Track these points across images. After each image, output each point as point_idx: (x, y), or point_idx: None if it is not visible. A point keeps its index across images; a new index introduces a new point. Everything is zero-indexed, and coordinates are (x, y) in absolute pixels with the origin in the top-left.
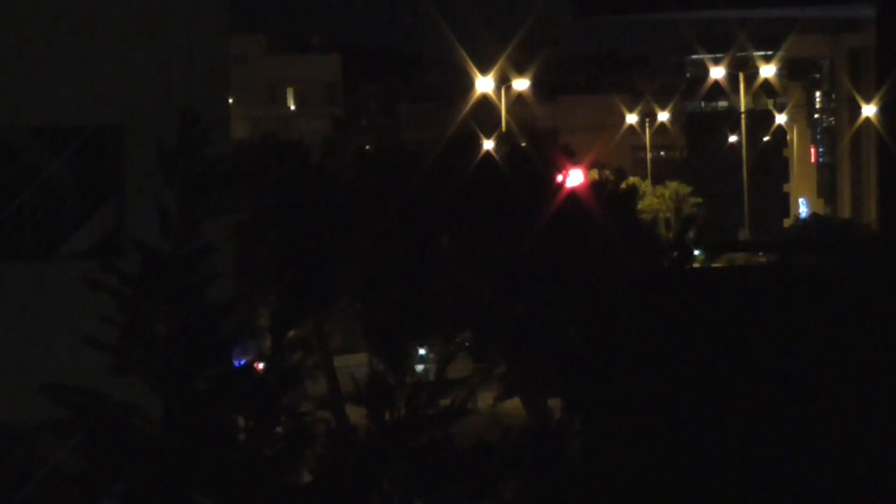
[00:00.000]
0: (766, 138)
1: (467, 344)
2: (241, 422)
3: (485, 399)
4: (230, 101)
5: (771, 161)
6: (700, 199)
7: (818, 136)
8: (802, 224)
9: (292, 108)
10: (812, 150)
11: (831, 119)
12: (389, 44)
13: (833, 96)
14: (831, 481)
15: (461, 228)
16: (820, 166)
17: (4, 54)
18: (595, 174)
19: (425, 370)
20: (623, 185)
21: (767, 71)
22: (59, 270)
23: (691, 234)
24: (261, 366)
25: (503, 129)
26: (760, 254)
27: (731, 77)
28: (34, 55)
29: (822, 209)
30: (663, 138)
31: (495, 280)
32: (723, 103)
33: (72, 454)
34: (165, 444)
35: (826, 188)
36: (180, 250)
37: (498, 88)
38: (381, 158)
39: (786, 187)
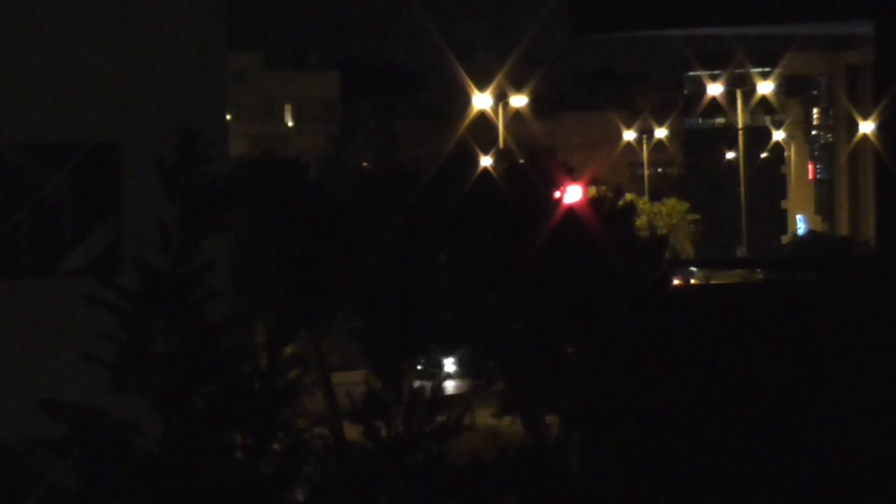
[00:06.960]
0: (763, 155)
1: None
2: (238, 438)
3: (483, 416)
4: (228, 117)
5: (769, 178)
6: (698, 216)
7: (816, 153)
8: (800, 241)
9: (290, 124)
10: (810, 167)
11: (829, 136)
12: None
13: (831, 113)
14: (829, 498)
15: (459, 245)
16: (818, 183)
17: (2, 71)
18: (593, 191)
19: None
20: (620, 202)
21: (765, 88)
22: (57, 287)
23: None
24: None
25: (501, 145)
26: (758, 271)
27: (729, 94)
28: (32, 72)
29: (819, 226)
30: (661, 155)
31: (493, 297)
32: (720, 120)
33: (70, 471)
34: (164, 461)
35: (824, 205)
36: (180, 268)
37: (496, 105)
38: (378, 175)
39: (783, 204)
